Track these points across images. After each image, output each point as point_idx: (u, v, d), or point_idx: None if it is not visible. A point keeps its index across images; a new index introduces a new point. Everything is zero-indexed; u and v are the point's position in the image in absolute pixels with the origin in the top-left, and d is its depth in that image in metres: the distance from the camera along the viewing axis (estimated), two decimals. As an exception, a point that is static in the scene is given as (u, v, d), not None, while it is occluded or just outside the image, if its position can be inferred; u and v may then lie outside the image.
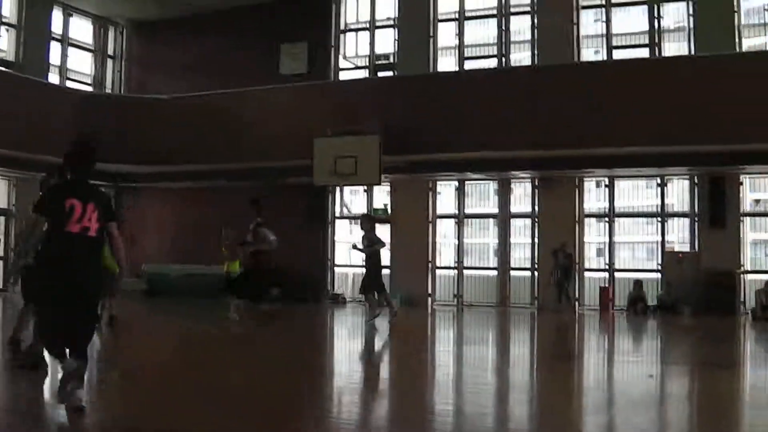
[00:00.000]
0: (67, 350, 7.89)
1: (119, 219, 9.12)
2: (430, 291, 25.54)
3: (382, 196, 26.63)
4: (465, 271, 25.64)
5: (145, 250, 27.85)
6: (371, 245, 18.90)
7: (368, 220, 17.51)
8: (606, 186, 24.55)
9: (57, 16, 28.76)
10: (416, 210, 25.65)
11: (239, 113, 25.83)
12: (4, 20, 27.05)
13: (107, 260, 9.51)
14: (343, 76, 27.60)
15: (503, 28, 25.44)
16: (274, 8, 27.60)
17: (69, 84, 28.94)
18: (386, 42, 27.05)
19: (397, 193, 26.13)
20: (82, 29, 30.05)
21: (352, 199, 27.83)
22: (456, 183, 25.83)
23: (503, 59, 25.36)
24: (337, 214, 27.50)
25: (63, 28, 29.07)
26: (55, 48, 28.71)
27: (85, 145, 8.48)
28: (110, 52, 30.96)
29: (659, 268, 23.86)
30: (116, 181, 28.51)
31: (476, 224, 26.59)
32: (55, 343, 8.13)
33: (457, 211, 25.87)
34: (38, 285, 8.27)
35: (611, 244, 24.31)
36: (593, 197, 25.65)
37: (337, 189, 26.88)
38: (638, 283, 23.52)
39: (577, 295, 23.82)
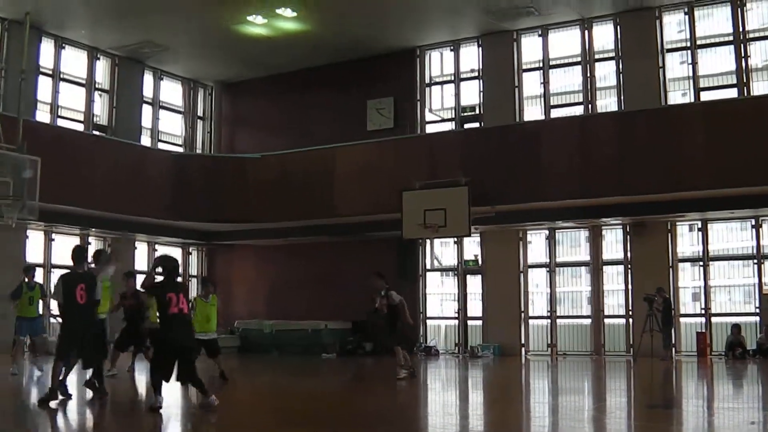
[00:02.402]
0: None
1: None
2: (523, 341, 25.37)
3: (472, 248, 26.58)
4: (558, 320, 25.43)
5: (237, 308, 28.25)
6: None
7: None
8: (699, 229, 24.17)
9: (148, 80, 29.58)
10: (507, 260, 25.57)
11: (328, 169, 26.13)
12: (97, 86, 27.86)
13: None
14: (430, 128, 27.74)
15: (588, 74, 25.39)
16: (359, 65, 28.01)
17: (161, 145, 29.60)
18: (471, 93, 27.16)
19: (487, 244, 26.09)
20: (172, 92, 30.81)
21: (443, 251, 27.81)
22: (546, 232, 25.69)
23: (590, 106, 25.28)
24: (428, 267, 27.50)
25: (154, 92, 29.89)
26: (146, 111, 29.52)
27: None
28: (200, 113, 31.70)
29: (757, 311, 23.30)
30: (207, 240, 29.06)
31: (568, 272, 26.31)
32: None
33: (548, 260, 25.71)
34: None
35: (707, 288, 23.87)
36: (687, 241, 25.21)
37: (427, 242, 26.85)
38: (736, 328, 23.03)
39: (673, 342, 23.39)
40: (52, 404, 12.52)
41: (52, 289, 13.93)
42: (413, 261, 26.95)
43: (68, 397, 13.12)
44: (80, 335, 12.73)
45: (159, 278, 12.81)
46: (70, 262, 13.28)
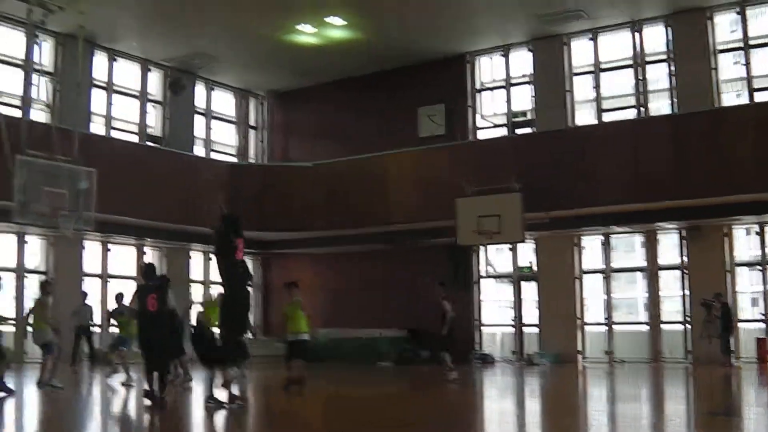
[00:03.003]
0: None
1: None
2: (579, 348, 25.16)
3: (527, 254, 26.43)
4: (614, 327, 25.18)
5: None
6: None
7: None
8: (757, 233, 23.83)
9: (200, 90, 29.80)
10: (562, 266, 25.38)
11: (381, 177, 26.20)
12: (150, 97, 28.15)
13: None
14: (482, 135, 27.65)
15: (640, 77, 25.18)
16: (410, 72, 28.04)
17: (213, 155, 29.81)
18: (523, 98, 27.05)
19: (541, 250, 25.94)
20: (224, 102, 31.04)
21: (497, 257, 27.65)
22: (601, 237, 25.47)
23: (642, 109, 25.06)
24: (482, 274, 27.39)
25: (206, 102, 30.14)
26: (199, 121, 29.72)
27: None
28: (252, 122, 31.88)
29: (818, 315, 22.91)
30: (262, 249, 29.15)
31: (624, 278, 26.10)
32: None
33: (603, 266, 25.50)
34: None
35: (766, 292, 23.43)
36: (744, 245, 24.88)
37: (481, 248, 26.76)
38: (797, 333, 22.66)
39: (733, 348, 23.03)
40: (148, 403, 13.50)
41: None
42: (467, 268, 26.88)
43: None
44: (153, 341, 13.64)
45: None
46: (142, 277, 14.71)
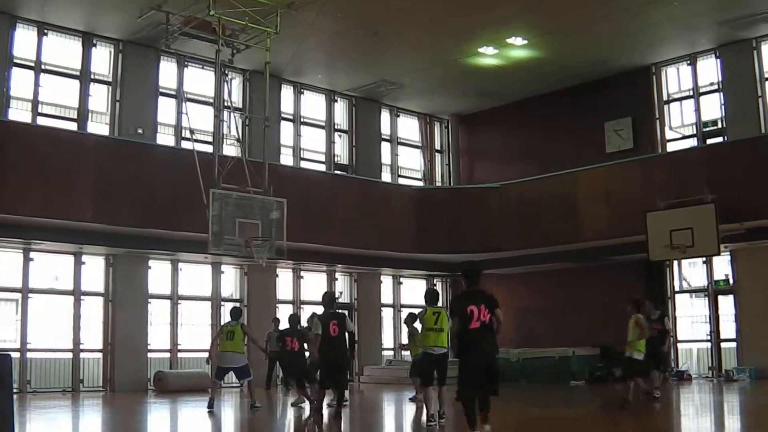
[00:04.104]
0: None
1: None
2: (784, 363, 24.05)
3: (722, 267, 25.60)
4: (820, 339, 23.99)
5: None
6: None
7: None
8: None
9: (384, 117, 30.32)
10: (761, 278, 24.34)
11: (569, 194, 25.95)
12: (336, 127, 28.83)
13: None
14: (671, 146, 27.00)
15: (837, 76, 24.07)
16: (593, 88, 27.76)
17: (401, 180, 30.24)
18: (712, 107, 26.25)
19: (738, 263, 25.07)
20: (408, 127, 31.45)
21: (691, 272, 26.87)
22: (803, 246, 24.37)
23: (841, 109, 23.94)
24: (677, 289, 26.69)
25: (391, 128, 30.61)
26: (384, 147, 30.26)
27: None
28: (437, 146, 32.18)
29: None
30: (452, 271, 29.26)
31: (829, 288, 24.89)
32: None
33: (806, 275, 24.36)
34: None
35: None
36: None
37: (675, 263, 26.07)
38: None
39: None
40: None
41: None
42: (660, 283, 26.25)
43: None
44: (334, 362, 14.76)
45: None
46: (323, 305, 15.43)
